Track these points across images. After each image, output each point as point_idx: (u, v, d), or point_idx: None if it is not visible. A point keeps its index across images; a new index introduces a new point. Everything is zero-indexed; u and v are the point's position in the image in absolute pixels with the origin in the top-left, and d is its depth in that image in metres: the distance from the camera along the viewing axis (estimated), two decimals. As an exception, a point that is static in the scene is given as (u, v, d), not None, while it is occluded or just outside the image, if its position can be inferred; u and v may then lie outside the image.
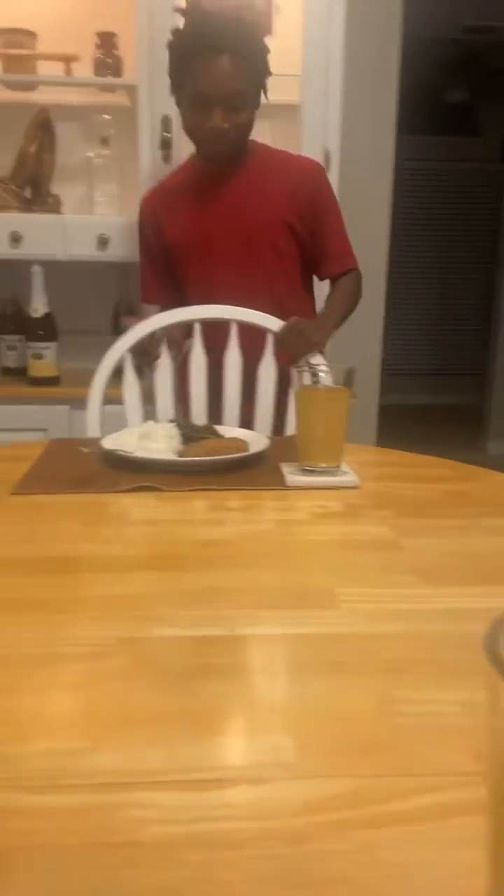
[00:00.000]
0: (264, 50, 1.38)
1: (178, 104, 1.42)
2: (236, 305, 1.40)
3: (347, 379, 1.04)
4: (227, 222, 1.48)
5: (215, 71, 1.32)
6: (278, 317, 1.41)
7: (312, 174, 1.52)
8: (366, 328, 2.46)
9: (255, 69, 1.36)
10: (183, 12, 1.40)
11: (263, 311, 1.41)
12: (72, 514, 0.89)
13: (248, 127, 1.42)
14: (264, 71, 1.39)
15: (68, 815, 0.39)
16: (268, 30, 1.58)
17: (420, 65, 3.65)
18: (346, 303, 1.56)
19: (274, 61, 2.00)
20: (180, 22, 1.37)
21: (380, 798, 0.40)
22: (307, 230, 1.53)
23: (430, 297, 5.37)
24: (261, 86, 1.40)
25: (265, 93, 1.42)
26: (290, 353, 1.37)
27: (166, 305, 1.57)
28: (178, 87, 1.39)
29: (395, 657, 0.56)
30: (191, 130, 1.41)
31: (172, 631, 0.59)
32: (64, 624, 0.60)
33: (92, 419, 1.58)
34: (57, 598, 0.65)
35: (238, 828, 0.38)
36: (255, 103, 1.40)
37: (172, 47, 1.37)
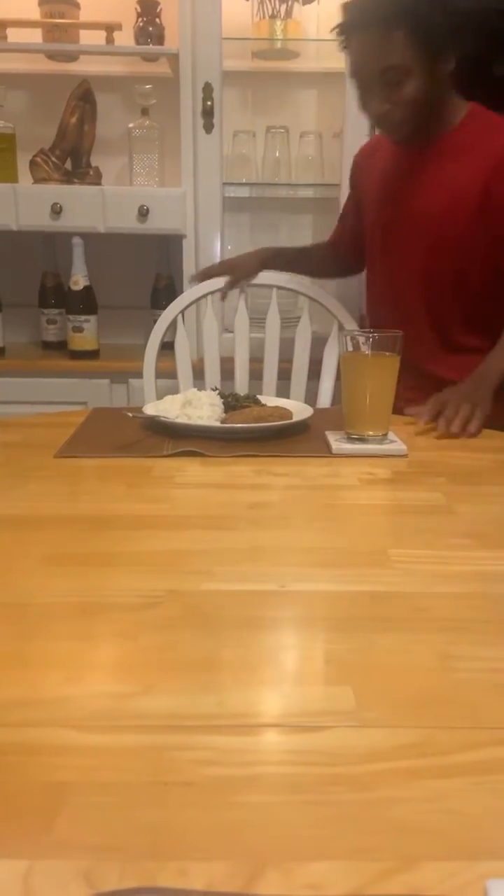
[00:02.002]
0: (426, 14, 1.15)
1: None
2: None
3: (395, 345, 1.02)
4: (411, 212, 1.31)
5: (356, 52, 1.18)
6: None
7: None
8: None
9: (417, 34, 1.14)
10: None
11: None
12: (115, 476, 0.88)
13: (419, 102, 1.19)
14: (433, 31, 1.15)
15: (124, 754, 0.38)
16: None
17: (469, 37, 3.54)
18: None
19: (319, 26, 1.97)
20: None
21: (445, 749, 0.38)
22: None
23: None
24: (431, 52, 1.16)
25: (443, 58, 1.19)
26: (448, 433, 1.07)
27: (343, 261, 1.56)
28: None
29: (451, 616, 0.54)
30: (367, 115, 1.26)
31: (221, 585, 0.58)
32: (112, 576, 0.60)
33: (148, 386, 1.60)
34: (103, 552, 0.65)
35: (298, 772, 0.37)
36: (425, 73, 1.17)
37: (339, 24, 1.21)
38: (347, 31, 1.18)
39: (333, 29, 1.21)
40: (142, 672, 0.45)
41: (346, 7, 1.20)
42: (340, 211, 1.63)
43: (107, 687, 0.44)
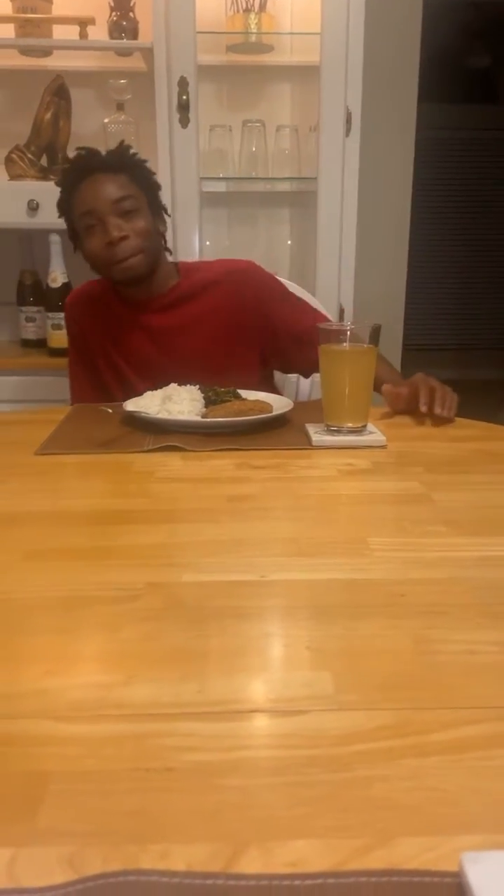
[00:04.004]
0: (148, 172, 1.28)
1: (76, 242, 1.29)
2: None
3: (373, 336, 1.02)
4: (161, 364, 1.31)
5: (93, 188, 1.22)
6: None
7: (246, 287, 1.32)
8: (386, 303, 2.42)
9: (140, 178, 1.26)
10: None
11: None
12: (96, 472, 0.88)
13: (151, 235, 1.25)
14: (152, 182, 1.28)
15: (105, 742, 0.38)
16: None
17: (440, 29, 3.56)
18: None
19: (293, 20, 1.97)
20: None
21: (423, 729, 0.39)
22: (272, 348, 1.35)
23: (451, 271, 5.28)
24: (153, 195, 1.28)
25: (165, 211, 1.31)
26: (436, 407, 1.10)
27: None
28: (69, 222, 1.28)
29: (429, 601, 0.54)
30: (94, 260, 1.26)
31: (202, 576, 0.58)
32: (92, 570, 0.60)
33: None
34: (84, 547, 0.65)
35: (277, 755, 0.37)
36: (153, 211, 1.27)
37: (58, 204, 1.27)
38: (77, 178, 1.24)
39: (64, 183, 1.26)
40: (123, 662, 0.46)
41: (66, 173, 1.27)
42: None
43: (88, 678, 0.44)
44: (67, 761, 0.37)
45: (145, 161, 1.30)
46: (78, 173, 1.24)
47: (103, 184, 1.22)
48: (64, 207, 1.27)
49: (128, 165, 1.26)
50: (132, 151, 1.28)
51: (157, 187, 1.30)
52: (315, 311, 1.41)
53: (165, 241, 1.34)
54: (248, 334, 1.34)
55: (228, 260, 1.39)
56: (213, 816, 0.33)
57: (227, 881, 0.29)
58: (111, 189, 1.22)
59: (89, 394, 1.40)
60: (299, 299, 1.40)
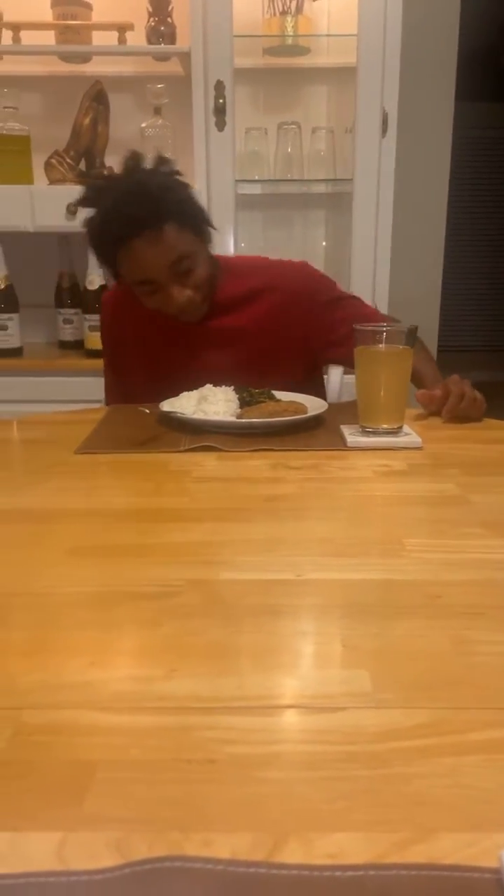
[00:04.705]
0: (183, 194, 1.18)
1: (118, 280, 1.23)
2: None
3: (409, 338, 1.02)
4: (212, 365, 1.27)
5: (144, 256, 1.13)
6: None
7: (302, 291, 1.27)
8: (422, 304, 2.40)
9: (185, 220, 1.16)
10: (83, 203, 1.19)
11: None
12: (134, 471, 0.89)
13: (211, 277, 1.23)
14: (195, 212, 1.19)
15: (148, 734, 0.39)
16: (173, 163, 1.21)
17: (477, 28, 3.52)
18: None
19: (330, 21, 1.97)
20: (86, 212, 1.18)
21: (460, 728, 0.39)
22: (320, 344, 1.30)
23: (487, 272, 5.22)
24: (199, 224, 1.20)
25: (208, 225, 1.22)
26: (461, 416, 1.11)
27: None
28: (116, 277, 1.22)
29: (466, 602, 0.55)
30: (153, 309, 1.22)
31: (240, 575, 0.59)
32: (132, 567, 0.61)
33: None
34: (124, 544, 0.66)
35: (315, 750, 0.38)
36: (205, 247, 1.22)
37: (91, 244, 1.19)
38: (119, 243, 1.14)
39: (102, 238, 1.16)
40: (164, 657, 0.47)
41: (106, 223, 1.15)
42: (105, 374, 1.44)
43: (130, 671, 0.45)
44: (112, 751, 0.38)
45: (178, 174, 1.20)
46: (121, 236, 1.13)
47: (152, 248, 1.13)
48: (104, 261, 1.20)
49: (172, 213, 1.14)
50: (165, 171, 1.18)
51: (200, 213, 1.21)
52: (365, 306, 1.36)
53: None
54: (290, 346, 1.30)
55: (280, 263, 1.34)
56: (254, 807, 0.34)
57: (269, 870, 0.30)
58: (163, 254, 1.14)
59: (119, 399, 1.38)
60: (353, 298, 1.36)
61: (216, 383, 1.15)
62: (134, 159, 1.19)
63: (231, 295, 1.29)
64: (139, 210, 1.12)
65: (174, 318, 1.24)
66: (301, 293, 1.29)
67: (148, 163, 1.20)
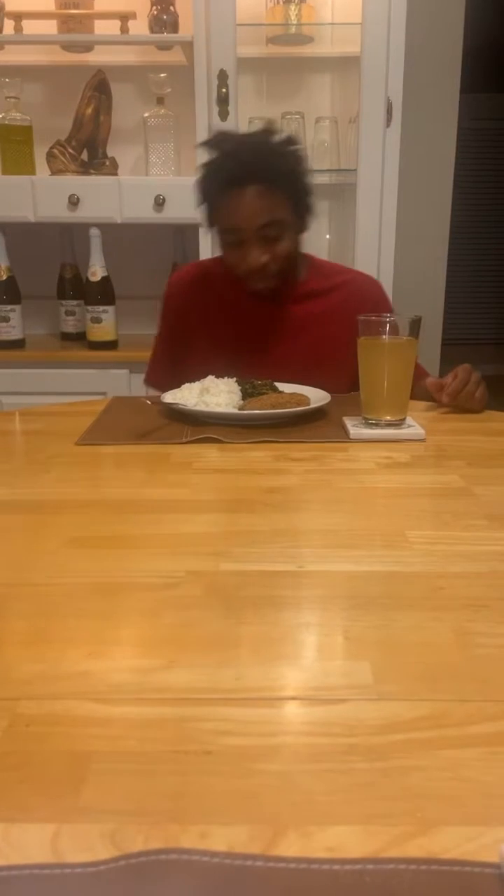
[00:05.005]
0: (301, 173, 1.23)
1: (211, 229, 1.28)
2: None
3: (413, 328, 1.01)
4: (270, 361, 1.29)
5: (243, 205, 1.18)
6: None
7: (368, 298, 1.31)
8: (426, 296, 2.38)
9: (292, 194, 1.21)
10: (207, 144, 1.25)
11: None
12: (135, 462, 0.89)
13: (292, 256, 1.26)
14: (303, 194, 1.24)
15: (146, 724, 0.39)
16: (303, 150, 1.25)
17: (483, 18, 3.49)
18: None
19: (334, 10, 1.95)
20: (205, 156, 1.23)
21: (463, 721, 0.39)
22: None
23: (492, 264, 5.19)
24: (303, 202, 1.24)
25: (310, 213, 1.27)
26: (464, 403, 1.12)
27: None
28: (210, 223, 1.27)
29: (470, 594, 0.54)
30: (230, 267, 1.26)
31: (241, 566, 0.59)
32: (133, 558, 0.61)
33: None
34: (124, 535, 0.66)
35: (315, 742, 0.37)
36: (298, 227, 1.26)
37: (199, 183, 1.24)
38: (228, 184, 1.19)
39: (209, 181, 1.22)
40: (163, 648, 0.46)
41: (221, 165, 1.20)
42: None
43: (129, 662, 0.45)
44: (109, 742, 0.37)
45: (302, 159, 1.24)
46: (230, 179, 1.19)
47: (253, 202, 1.18)
48: (205, 200, 1.24)
49: (285, 178, 1.20)
50: (291, 149, 1.22)
51: (308, 192, 1.25)
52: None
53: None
54: (343, 347, 1.25)
55: (359, 271, 1.42)
56: (251, 799, 0.34)
57: (267, 863, 0.29)
58: (260, 211, 1.18)
59: (165, 372, 1.38)
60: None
61: (273, 369, 1.19)
62: (269, 126, 1.29)
63: (312, 288, 1.33)
64: (255, 162, 1.18)
65: (246, 286, 1.27)
66: (367, 299, 1.32)
67: (280, 137, 1.25)
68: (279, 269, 1.24)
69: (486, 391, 1.13)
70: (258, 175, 1.18)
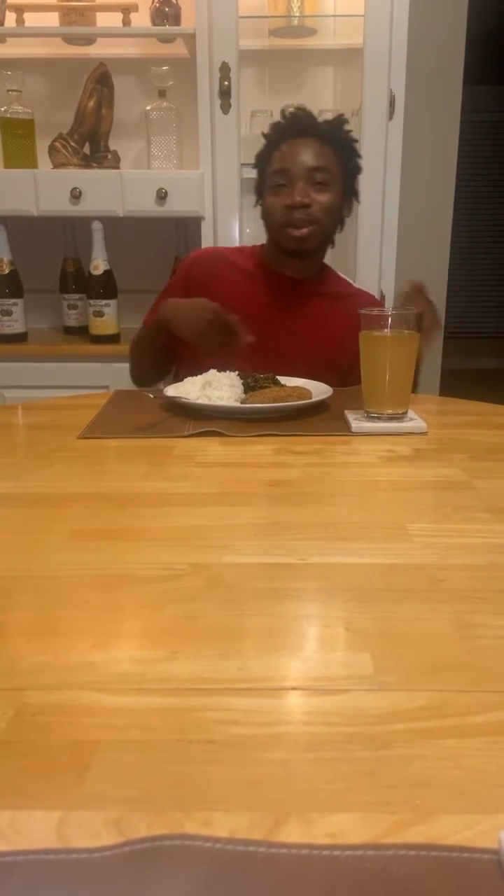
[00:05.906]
0: (353, 150, 1.31)
1: (260, 196, 1.32)
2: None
3: (416, 322, 1.02)
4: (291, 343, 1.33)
5: (296, 147, 1.25)
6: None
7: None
8: (428, 289, 2.38)
9: (345, 157, 1.29)
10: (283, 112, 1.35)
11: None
12: (138, 455, 0.89)
13: (332, 212, 1.28)
14: (353, 168, 1.31)
15: (149, 714, 0.39)
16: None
17: (486, 10, 3.47)
18: None
19: (337, 2, 1.94)
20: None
21: (463, 711, 0.39)
22: None
23: (494, 257, 5.17)
24: (351, 178, 1.31)
25: (356, 196, 1.34)
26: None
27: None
28: (260, 175, 1.31)
29: (470, 587, 0.54)
30: (269, 217, 1.29)
31: (243, 558, 0.59)
32: (136, 550, 0.61)
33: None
34: (127, 528, 0.66)
35: (316, 731, 0.38)
36: (345, 193, 1.31)
37: (268, 132, 1.31)
38: (285, 135, 1.27)
39: (273, 132, 1.30)
40: (166, 639, 0.47)
41: (279, 124, 1.30)
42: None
43: (133, 653, 0.45)
44: (114, 731, 0.38)
45: (356, 141, 1.32)
46: (288, 130, 1.27)
47: (306, 148, 1.25)
48: (262, 158, 1.30)
49: (338, 141, 1.28)
50: (347, 128, 1.30)
51: (357, 171, 1.33)
52: None
53: (342, 227, 1.35)
54: (339, 345, 1.30)
55: (372, 295, 1.46)
56: (254, 787, 0.34)
57: (269, 849, 0.30)
58: (312, 156, 1.24)
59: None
60: None
61: (277, 361, 1.21)
62: (338, 116, 1.34)
63: (329, 290, 1.38)
64: (313, 122, 1.28)
65: (280, 239, 1.28)
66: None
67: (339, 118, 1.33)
68: (317, 218, 1.26)
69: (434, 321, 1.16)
70: (314, 130, 1.26)
